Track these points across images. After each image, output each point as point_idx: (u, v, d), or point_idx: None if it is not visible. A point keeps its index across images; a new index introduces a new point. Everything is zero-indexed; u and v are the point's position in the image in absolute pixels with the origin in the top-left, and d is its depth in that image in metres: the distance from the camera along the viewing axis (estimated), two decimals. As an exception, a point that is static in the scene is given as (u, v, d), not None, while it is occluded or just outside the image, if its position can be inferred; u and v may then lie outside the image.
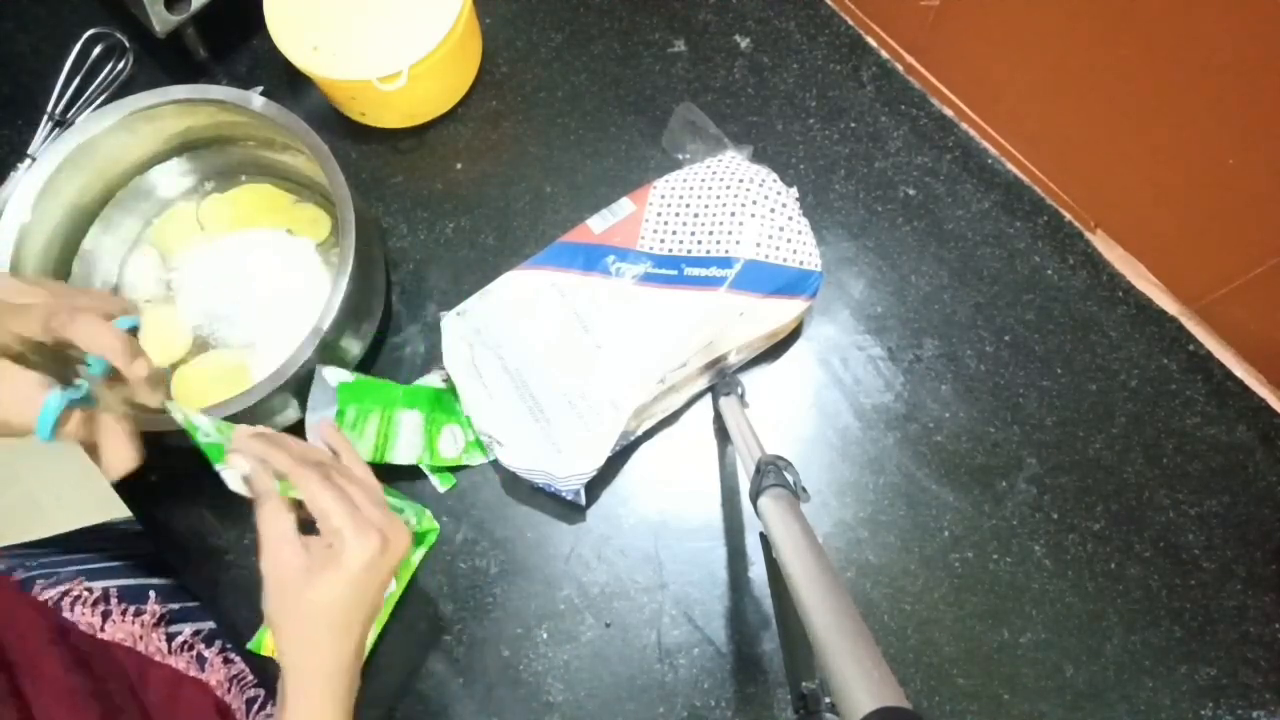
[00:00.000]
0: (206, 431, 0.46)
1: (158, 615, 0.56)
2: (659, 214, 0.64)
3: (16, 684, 0.42)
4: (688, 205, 0.64)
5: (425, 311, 0.70)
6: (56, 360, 0.46)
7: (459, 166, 0.75)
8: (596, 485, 0.65)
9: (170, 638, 0.55)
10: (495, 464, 0.65)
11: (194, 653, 0.56)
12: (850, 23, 0.78)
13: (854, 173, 0.73)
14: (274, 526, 0.45)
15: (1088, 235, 0.71)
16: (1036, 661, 0.61)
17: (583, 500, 0.63)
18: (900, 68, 0.76)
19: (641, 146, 0.75)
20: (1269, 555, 0.63)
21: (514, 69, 0.78)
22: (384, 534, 0.46)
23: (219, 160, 0.71)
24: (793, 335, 0.69)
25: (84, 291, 0.44)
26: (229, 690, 0.57)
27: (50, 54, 0.75)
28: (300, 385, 0.60)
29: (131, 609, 0.54)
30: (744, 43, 0.77)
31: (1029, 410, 0.67)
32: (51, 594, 0.52)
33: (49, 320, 0.43)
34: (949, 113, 0.75)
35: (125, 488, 0.57)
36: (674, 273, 0.62)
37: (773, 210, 0.63)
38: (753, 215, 0.62)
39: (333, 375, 0.60)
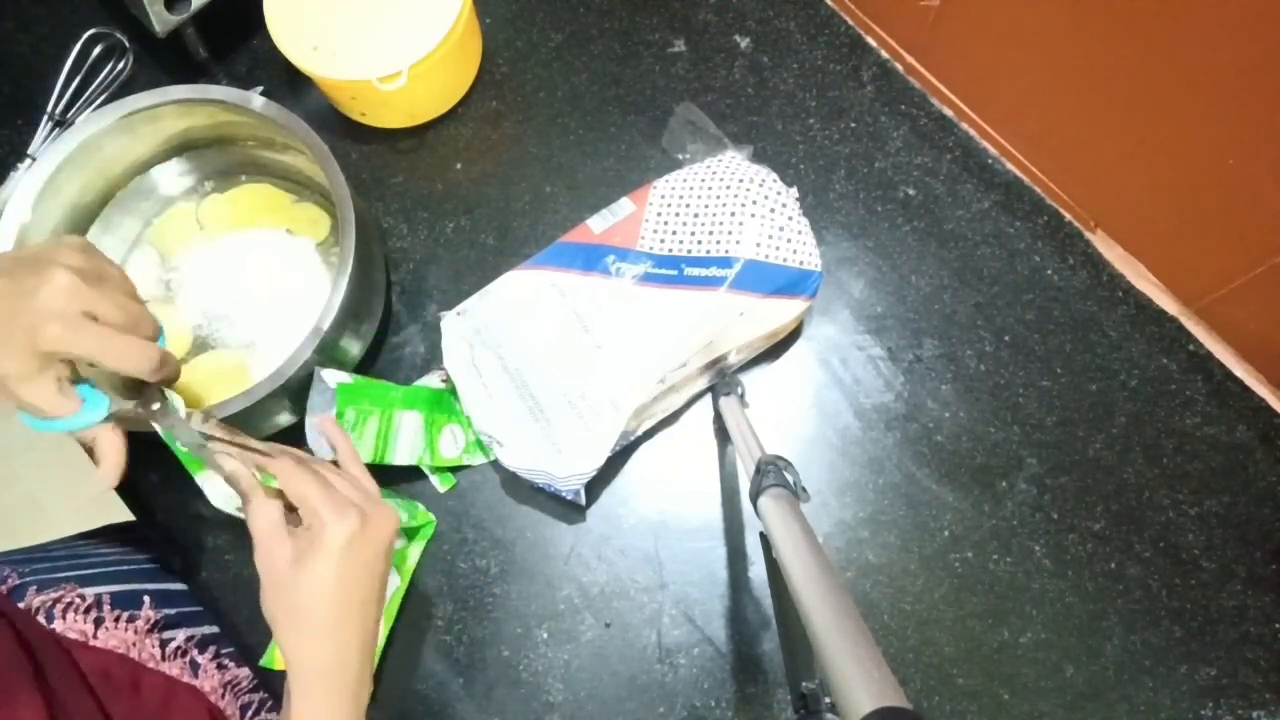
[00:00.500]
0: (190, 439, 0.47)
1: (151, 621, 0.55)
2: (659, 214, 0.64)
3: None
4: (688, 205, 0.64)
5: (425, 311, 0.70)
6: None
7: (459, 166, 0.75)
8: (596, 485, 0.65)
9: (164, 644, 0.55)
10: (495, 464, 0.65)
11: (187, 659, 0.56)
12: (850, 23, 0.78)
13: (854, 173, 0.73)
14: (263, 521, 0.45)
15: (1088, 235, 0.71)
16: (1036, 661, 0.61)
17: (583, 500, 0.63)
18: (900, 68, 0.76)
19: (641, 146, 0.75)
20: (1269, 555, 0.63)
21: (514, 69, 0.78)
22: (362, 510, 0.46)
23: (219, 160, 0.71)
24: (793, 335, 0.69)
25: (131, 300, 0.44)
26: (223, 696, 0.56)
27: (50, 54, 0.75)
28: (300, 385, 0.60)
29: (125, 615, 0.54)
30: (744, 43, 0.77)
31: (1029, 410, 0.67)
32: (44, 600, 0.51)
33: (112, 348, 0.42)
34: (949, 113, 0.75)
35: (126, 489, 0.57)
36: (674, 273, 0.62)
37: (773, 210, 0.63)
38: (753, 215, 0.62)
39: (331, 377, 0.60)
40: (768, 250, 0.62)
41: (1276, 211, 0.57)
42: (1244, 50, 0.51)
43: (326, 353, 0.60)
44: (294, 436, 0.60)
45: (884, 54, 0.77)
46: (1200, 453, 0.66)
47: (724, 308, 0.61)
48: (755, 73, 0.76)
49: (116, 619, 0.53)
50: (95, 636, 0.52)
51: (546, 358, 0.62)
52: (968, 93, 0.73)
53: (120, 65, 0.76)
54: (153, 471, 0.65)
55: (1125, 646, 0.61)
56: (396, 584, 0.61)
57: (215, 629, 0.61)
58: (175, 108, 0.64)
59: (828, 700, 0.42)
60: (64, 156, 0.62)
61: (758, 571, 0.64)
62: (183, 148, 0.70)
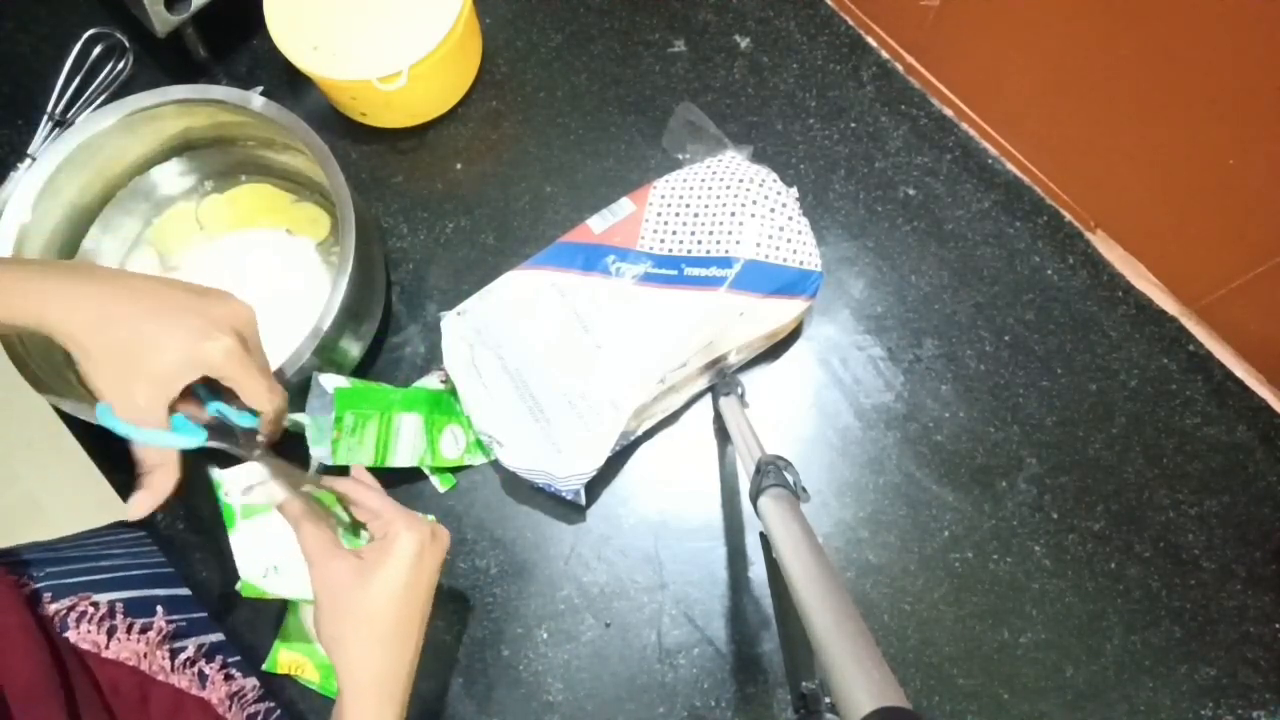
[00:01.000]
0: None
1: (163, 632, 0.55)
2: (659, 214, 0.64)
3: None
4: (688, 205, 0.64)
5: (425, 311, 0.70)
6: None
7: (459, 166, 0.75)
8: (596, 485, 0.65)
9: (174, 654, 0.55)
10: (495, 464, 0.65)
11: (196, 670, 0.56)
12: (850, 23, 0.78)
13: (854, 173, 0.73)
14: (317, 541, 0.46)
15: (1088, 235, 0.71)
16: (1036, 661, 0.61)
17: (583, 500, 0.63)
18: (900, 68, 0.76)
19: (641, 146, 0.75)
20: (1269, 555, 0.63)
21: (514, 69, 0.78)
22: (432, 524, 0.49)
23: (219, 160, 0.71)
24: (793, 335, 0.69)
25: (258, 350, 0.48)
26: (229, 708, 0.56)
27: (50, 54, 0.75)
28: (300, 385, 0.59)
29: (138, 625, 0.54)
30: (744, 43, 0.77)
31: (1029, 410, 0.67)
32: (59, 608, 0.51)
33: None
34: (949, 113, 0.75)
35: (125, 489, 0.57)
36: (674, 273, 0.62)
37: (773, 210, 0.63)
38: (753, 215, 0.62)
39: (329, 381, 0.60)
40: (768, 250, 0.62)
41: (1276, 211, 0.57)
42: (1244, 50, 0.51)
43: (326, 353, 0.60)
44: (294, 436, 0.60)
45: (884, 54, 0.77)
46: (1200, 453, 0.66)
47: (724, 308, 0.61)
48: (755, 73, 0.76)
49: (129, 629, 0.54)
50: (107, 647, 0.52)
51: (546, 358, 0.62)
52: (968, 93, 0.73)
53: (120, 65, 0.76)
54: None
55: (1125, 646, 0.61)
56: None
57: (220, 636, 0.61)
58: (175, 108, 0.64)
59: (828, 700, 0.42)
60: (64, 156, 0.62)
61: (758, 571, 0.64)
62: (183, 148, 0.69)
